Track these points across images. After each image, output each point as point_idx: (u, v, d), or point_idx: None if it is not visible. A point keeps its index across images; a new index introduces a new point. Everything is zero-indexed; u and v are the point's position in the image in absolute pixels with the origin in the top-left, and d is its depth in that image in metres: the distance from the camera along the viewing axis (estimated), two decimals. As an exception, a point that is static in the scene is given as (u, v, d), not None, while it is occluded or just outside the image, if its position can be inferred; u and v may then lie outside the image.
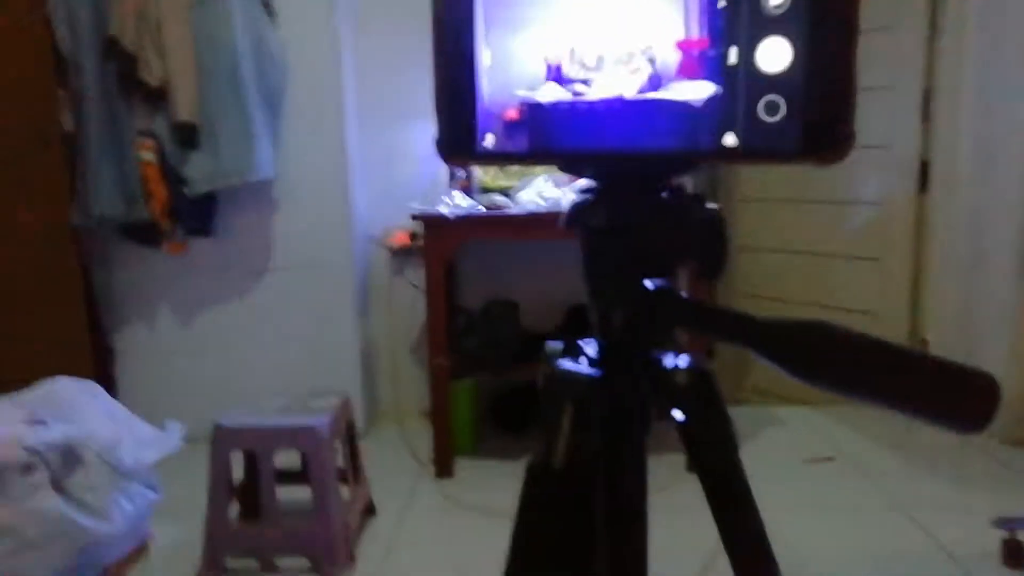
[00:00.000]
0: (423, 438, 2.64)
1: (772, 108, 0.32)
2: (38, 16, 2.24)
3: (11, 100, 2.32)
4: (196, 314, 2.66)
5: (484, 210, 2.31)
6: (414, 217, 2.33)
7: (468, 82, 0.33)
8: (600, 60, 0.33)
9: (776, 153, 0.33)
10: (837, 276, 2.97)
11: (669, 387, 0.38)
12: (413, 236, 2.71)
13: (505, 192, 2.42)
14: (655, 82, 0.33)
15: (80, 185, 2.33)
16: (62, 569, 1.54)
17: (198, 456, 1.97)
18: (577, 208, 0.36)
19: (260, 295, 2.65)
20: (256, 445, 1.83)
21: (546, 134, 0.33)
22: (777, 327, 0.29)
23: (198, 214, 2.40)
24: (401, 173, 2.76)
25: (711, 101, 0.32)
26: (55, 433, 1.54)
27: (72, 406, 1.64)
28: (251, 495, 1.91)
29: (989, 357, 2.42)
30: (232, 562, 1.83)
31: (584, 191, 0.37)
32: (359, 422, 2.17)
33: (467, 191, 2.47)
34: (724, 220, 0.36)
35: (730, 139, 0.33)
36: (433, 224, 2.27)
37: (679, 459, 2.07)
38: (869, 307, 2.88)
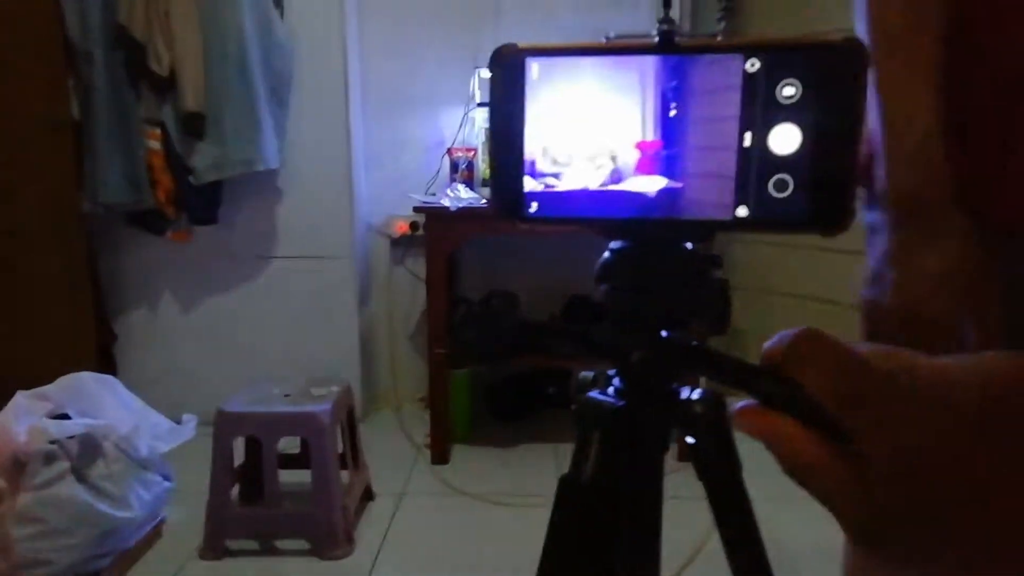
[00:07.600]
0: (419, 423, 2.69)
1: (781, 185, 0.37)
2: (49, 3, 2.23)
3: (22, 87, 2.31)
4: (198, 300, 2.69)
5: (486, 202, 2.34)
6: (416, 209, 2.35)
7: (518, 162, 0.38)
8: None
9: (784, 224, 0.38)
10: (833, 269, 3.01)
11: (685, 415, 0.44)
12: (414, 226, 2.74)
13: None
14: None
15: (88, 173, 2.33)
16: (83, 553, 1.59)
17: (199, 438, 2.01)
18: (605, 268, 0.42)
19: (262, 283, 2.67)
20: (259, 432, 1.87)
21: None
22: (772, 376, 0.32)
23: (203, 203, 2.41)
24: (404, 162, 2.78)
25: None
26: (76, 425, 1.59)
27: (92, 399, 1.69)
28: (253, 478, 1.96)
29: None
30: (233, 543, 1.88)
31: (611, 252, 0.42)
32: (357, 407, 2.21)
33: (469, 183, 2.50)
34: (728, 286, 0.41)
35: (742, 211, 0.38)
36: (435, 216, 2.30)
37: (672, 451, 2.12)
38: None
